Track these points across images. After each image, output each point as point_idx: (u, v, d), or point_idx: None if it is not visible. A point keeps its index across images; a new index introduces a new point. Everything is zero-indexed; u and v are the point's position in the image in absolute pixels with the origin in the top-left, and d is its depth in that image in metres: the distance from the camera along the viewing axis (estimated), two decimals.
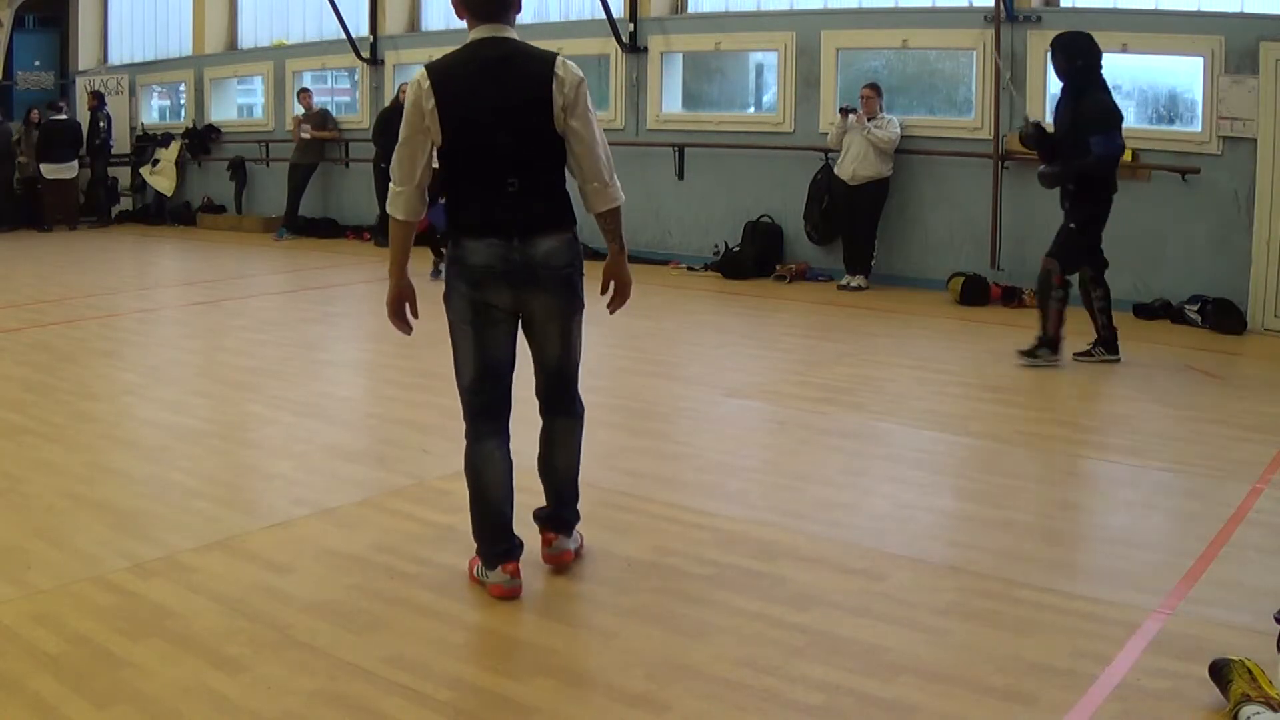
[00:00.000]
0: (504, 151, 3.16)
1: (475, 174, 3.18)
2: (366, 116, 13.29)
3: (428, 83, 3.10)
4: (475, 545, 3.41)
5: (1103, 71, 6.57)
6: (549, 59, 3.24)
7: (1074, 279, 6.66)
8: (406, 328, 3.44)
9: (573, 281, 3.33)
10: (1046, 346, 6.59)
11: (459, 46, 3.25)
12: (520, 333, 3.39)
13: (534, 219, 3.23)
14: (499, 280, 3.20)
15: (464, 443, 3.47)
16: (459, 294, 3.24)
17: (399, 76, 13.02)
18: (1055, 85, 9.07)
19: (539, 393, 3.56)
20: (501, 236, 3.17)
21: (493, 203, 3.17)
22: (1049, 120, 7.00)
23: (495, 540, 3.36)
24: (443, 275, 3.44)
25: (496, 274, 3.19)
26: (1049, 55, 6.76)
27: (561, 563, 3.53)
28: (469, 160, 3.17)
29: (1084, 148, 6.33)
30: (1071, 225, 6.53)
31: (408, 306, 3.40)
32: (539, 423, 3.60)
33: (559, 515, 3.59)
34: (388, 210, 3.26)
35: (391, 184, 3.22)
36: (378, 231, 12.66)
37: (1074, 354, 6.68)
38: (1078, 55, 6.48)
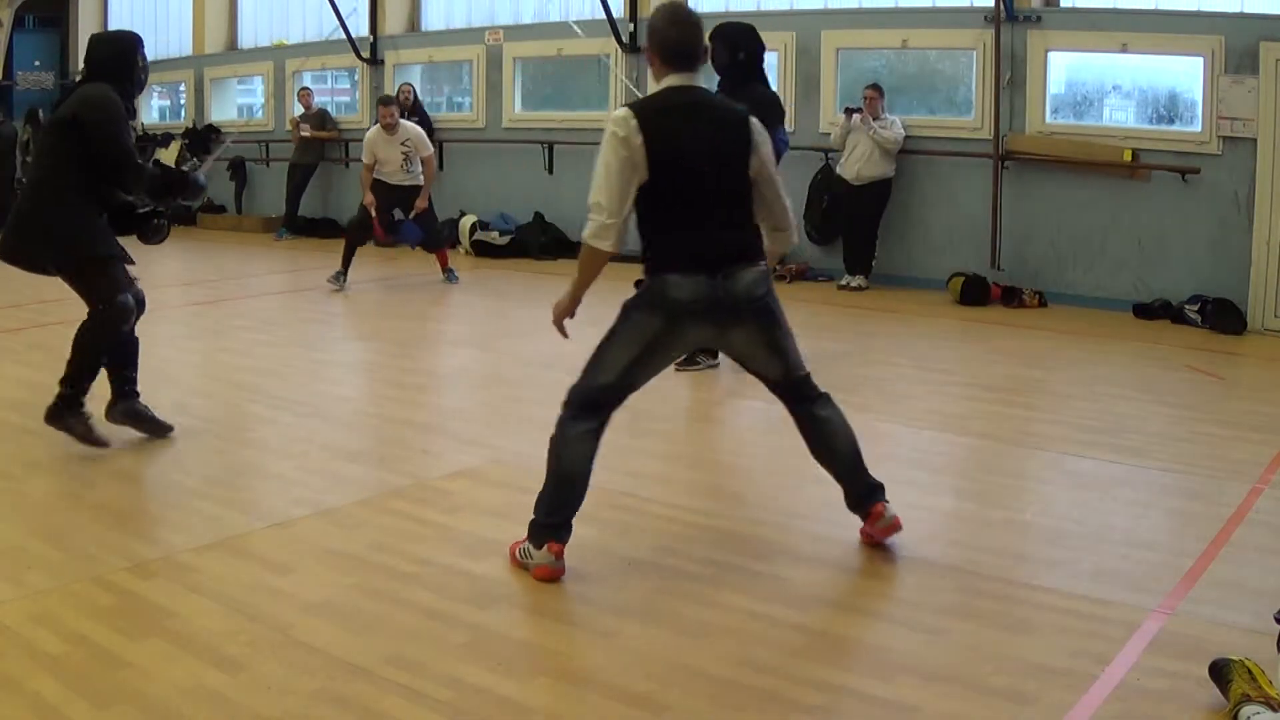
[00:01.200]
0: (710, 189, 3.32)
1: (681, 210, 3.32)
2: (366, 117, 13.28)
3: (635, 120, 3.23)
4: (530, 524, 3.46)
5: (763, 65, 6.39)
6: (741, 111, 3.46)
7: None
8: (565, 333, 3.66)
9: (770, 306, 3.48)
10: None
11: (652, 93, 3.41)
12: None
13: (736, 253, 3.37)
14: (700, 316, 3.35)
15: (554, 432, 3.50)
16: (649, 321, 3.38)
17: (399, 77, 13.03)
18: (1056, 86, 9.13)
19: (781, 396, 3.71)
20: (708, 272, 3.31)
21: (698, 238, 3.33)
22: None
23: (560, 510, 3.42)
24: (343, 283, 3.55)
25: (700, 310, 3.34)
26: (709, 45, 6.40)
27: (897, 528, 3.61)
28: (675, 197, 3.31)
29: None
30: None
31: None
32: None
33: (869, 484, 3.65)
34: (591, 241, 3.35)
35: (598, 216, 3.32)
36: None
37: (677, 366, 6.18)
38: (740, 47, 6.20)
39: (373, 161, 9.25)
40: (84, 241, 4.55)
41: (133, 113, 4.75)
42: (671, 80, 3.37)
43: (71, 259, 4.56)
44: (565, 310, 3.58)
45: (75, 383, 4.57)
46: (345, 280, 9.25)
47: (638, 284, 3.46)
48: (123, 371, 4.86)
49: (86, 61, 4.75)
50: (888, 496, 3.68)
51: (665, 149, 3.25)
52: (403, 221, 9.46)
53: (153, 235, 4.99)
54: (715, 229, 3.35)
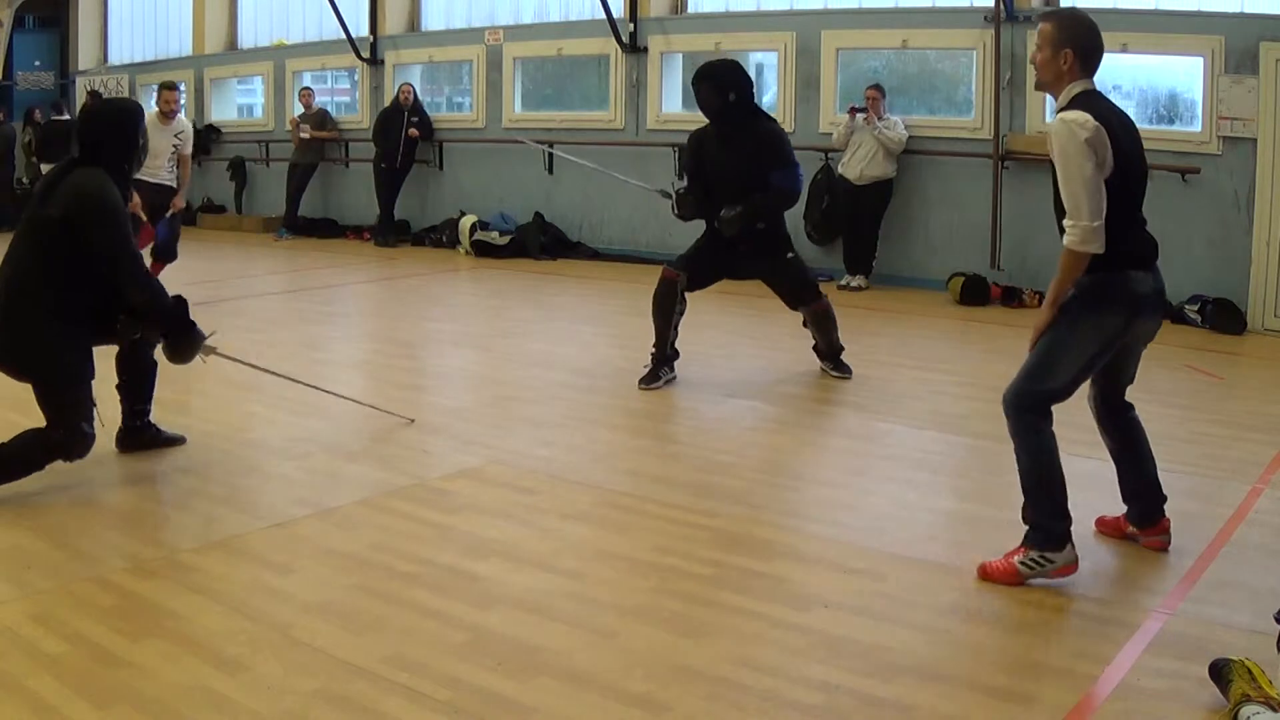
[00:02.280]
0: (1142, 187, 3.48)
1: (1132, 208, 3.41)
2: (366, 116, 13.29)
3: (1094, 122, 3.26)
4: (1032, 531, 3.44)
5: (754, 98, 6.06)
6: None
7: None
8: None
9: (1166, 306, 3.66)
10: (830, 359, 6.29)
11: (1074, 95, 3.39)
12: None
13: (1157, 247, 3.51)
14: (1149, 308, 3.47)
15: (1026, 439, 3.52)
16: (1113, 320, 3.41)
17: (399, 76, 13.03)
18: None
19: (1107, 402, 3.76)
20: (1150, 265, 3.46)
21: (1141, 232, 3.45)
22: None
23: (1066, 516, 3.44)
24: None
25: (1150, 302, 3.46)
26: (693, 87, 5.95)
27: (1166, 546, 3.71)
28: (1126, 192, 3.37)
29: (765, 185, 5.86)
30: (790, 256, 6.16)
31: None
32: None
33: (1161, 497, 3.73)
34: (1080, 249, 3.29)
35: (1080, 221, 3.27)
36: (377, 232, 12.68)
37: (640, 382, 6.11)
38: (728, 88, 5.83)
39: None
40: (55, 358, 4.09)
41: (128, 196, 4.32)
42: (1087, 84, 3.42)
43: (39, 374, 4.12)
44: (1044, 326, 3.50)
45: None
46: None
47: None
48: (135, 405, 4.69)
49: (81, 140, 4.24)
50: (892, 498, 3.69)
51: (1120, 148, 3.32)
52: (169, 220, 8.40)
53: (120, 333, 4.49)
54: (1145, 227, 3.49)
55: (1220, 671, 2.67)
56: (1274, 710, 2.50)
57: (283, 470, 4.58)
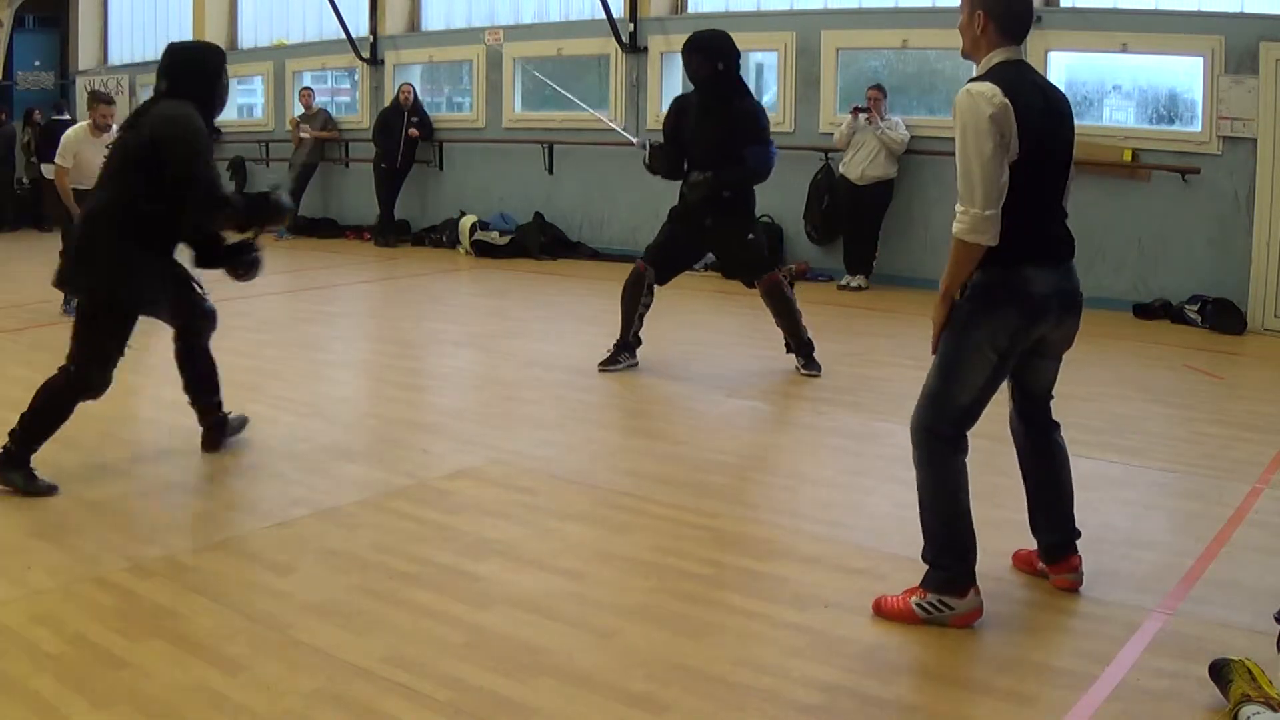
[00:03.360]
0: (1058, 173, 3.10)
1: (1037, 195, 3.04)
2: (366, 116, 13.29)
3: (1001, 97, 2.91)
4: (931, 571, 3.14)
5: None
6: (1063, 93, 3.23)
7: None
8: None
9: (1081, 302, 3.24)
10: (804, 351, 6.39)
11: (992, 66, 3.04)
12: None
13: (1071, 243, 3.17)
14: (1052, 311, 3.10)
15: (930, 467, 3.21)
16: (1005, 323, 3.06)
17: (399, 76, 13.03)
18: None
19: (1024, 416, 3.45)
20: (1056, 263, 3.10)
21: (1050, 226, 3.09)
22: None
23: (968, 558, 3.13)
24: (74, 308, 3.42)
25: (1053, 304, 3.09)
26: (683, 56, 6.12)
27: (1077, 586, 3.36)
28: (1035, 181, 3.00)
29: (738, 158, 5.95)
30: (750, 236, 6.30)
31: None
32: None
33: (1074, 531, 3.40)
34: (968, 238, 2.99)
35: (971, 209, 2.95)
36: (377, 231, 12.68)
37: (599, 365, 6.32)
38: (719, 58, 5.95)
39: (71, 165, 7.66)
40: (116, 285, 4.16)
41: (215, 134, 4.38)
42: (1011, 53, 3.06)
43: (94, 292, 4.19)
44: (942, 324, 3.21)
45: (26, 443, 4.14)
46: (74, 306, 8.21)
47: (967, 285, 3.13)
48: (204, 402, 4.72)
49: (167, 74, 4.31)
50: (892, 498, 3.68)
51: (1032, 127, 2.95)
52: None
53: (247, 271, 4.65)
54: (1061, 217, 3.14)
55: (1220, 671, 2.67)
56: (1274, 710, 2.50)
57: (283, 470, 4.57)
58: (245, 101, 15.62)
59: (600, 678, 2.85)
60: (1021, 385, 3.36)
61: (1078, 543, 3.39)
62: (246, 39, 15.17)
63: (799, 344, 6.38)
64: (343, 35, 13.06)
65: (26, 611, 3.15)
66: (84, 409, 5.38)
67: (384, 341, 7.78)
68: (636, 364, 6.34)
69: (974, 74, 3.09)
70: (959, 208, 2.99)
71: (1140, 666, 2.90)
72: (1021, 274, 3.04)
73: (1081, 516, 4.06)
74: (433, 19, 13.32)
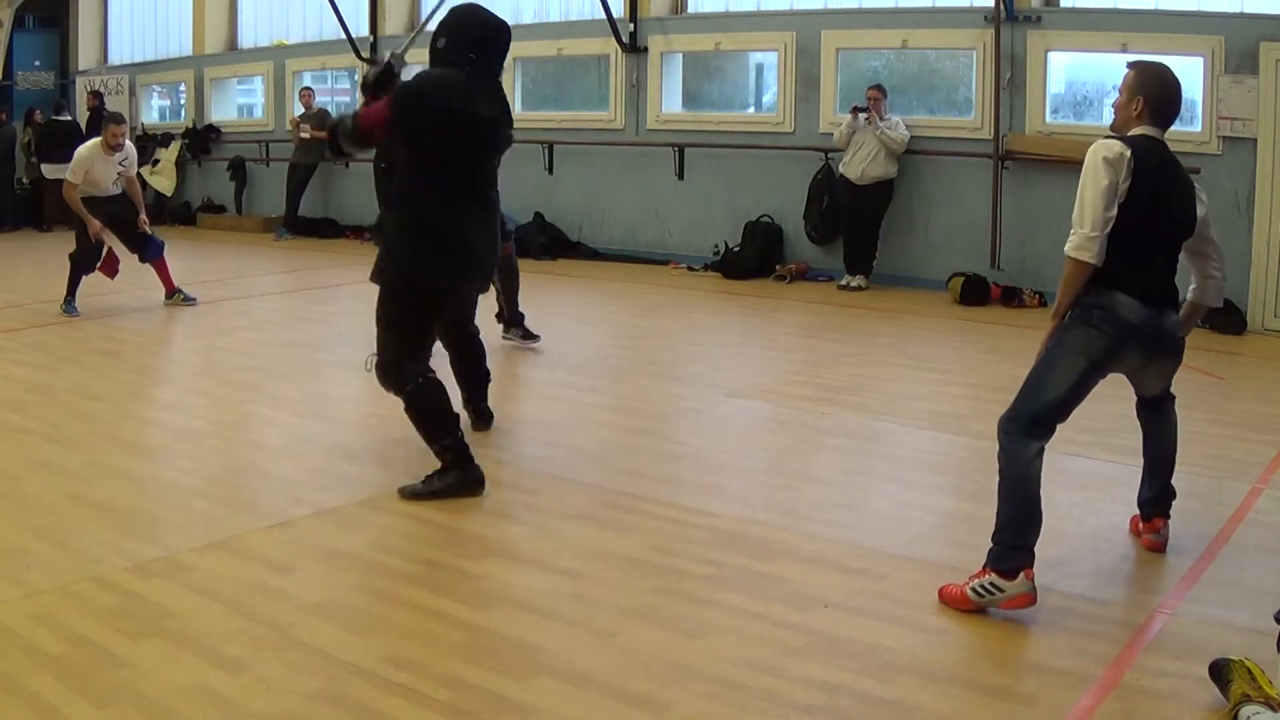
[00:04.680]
0: (1163, 239, 3.57)
1: (1149, 248, 3.50)
2: None
3: (1123, 148, 3.36)
4: (993, 548, 3.26)
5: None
6: (1192, 180, 3.66)
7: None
8: None
9: (1182, 346, 3.79)
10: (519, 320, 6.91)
11: (1132, 134, 3.48)
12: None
13: (1169, 296, 3.60)
14: (1140, 339, 3.48)
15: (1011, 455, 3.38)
16: (1099, 335, 3.41)
17: (399, 76, 13.01)
18: (1056, 85, 9.13)
19: (1139, 396, 3.94)
20: (1150, 305, 3.48)
21: (1149, 274, 3.51)
22: None
23: (1027, 540, 3.25)
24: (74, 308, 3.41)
25: (1142, 333, 3.47)
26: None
27: (1162, 547, 3.76)
28: (1143, 230, 3.44)
29: None
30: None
31: None
32: None
33: (1169, 491, 3.84)
34: (1074, 255, 3.41)
35: (1080, 229, 3.41)
36: (377, 231, 12.66)
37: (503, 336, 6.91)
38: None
39: (80, 181, 7.82)
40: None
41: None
42: (1151, 132, 3.50)
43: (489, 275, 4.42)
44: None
45: (435, 442, 4.17)
46: (75, 307, 8.00)
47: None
48: (472, 392, 5.15)
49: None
50: (892, 498, 3.68)
51: (1145, 187, 3.40)
52: (147, 237, 8.26)
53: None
54: (1159, 273, 3.58)
55: (1220, 671, 2.67)
56: (1274, 710, 2.50)
57: (283, 470, 4.58)
58: (245, 101, 15.63)
59: (600, 678, 2.85)
60: (1136, 387, 3.90)
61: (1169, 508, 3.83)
62: (246, 39, 15.17)
63: (516, 318, 6.91)
64: (343, 35, 13.06)
65: (26, 611, 3.15)
66: (84, 409, 5.40)
67: None
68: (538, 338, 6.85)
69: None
70: (1072, 231, 3.43)
71: (1140, 666, 2.90)
72: (1115, 298, 3.41)
73: (1081, 516, 4.07)
74: (432, 19, 13.30)
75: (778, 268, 10.11)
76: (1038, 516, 3.29)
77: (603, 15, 10.96)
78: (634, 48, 11.15)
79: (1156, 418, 3.91)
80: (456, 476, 4.14)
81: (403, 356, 4.05)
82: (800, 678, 2.85)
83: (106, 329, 7.59)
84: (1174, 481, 3.86)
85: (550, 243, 11.53)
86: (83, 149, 7.95)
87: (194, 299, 8.43)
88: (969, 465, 4.88)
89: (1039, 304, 8.70)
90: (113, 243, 8.12)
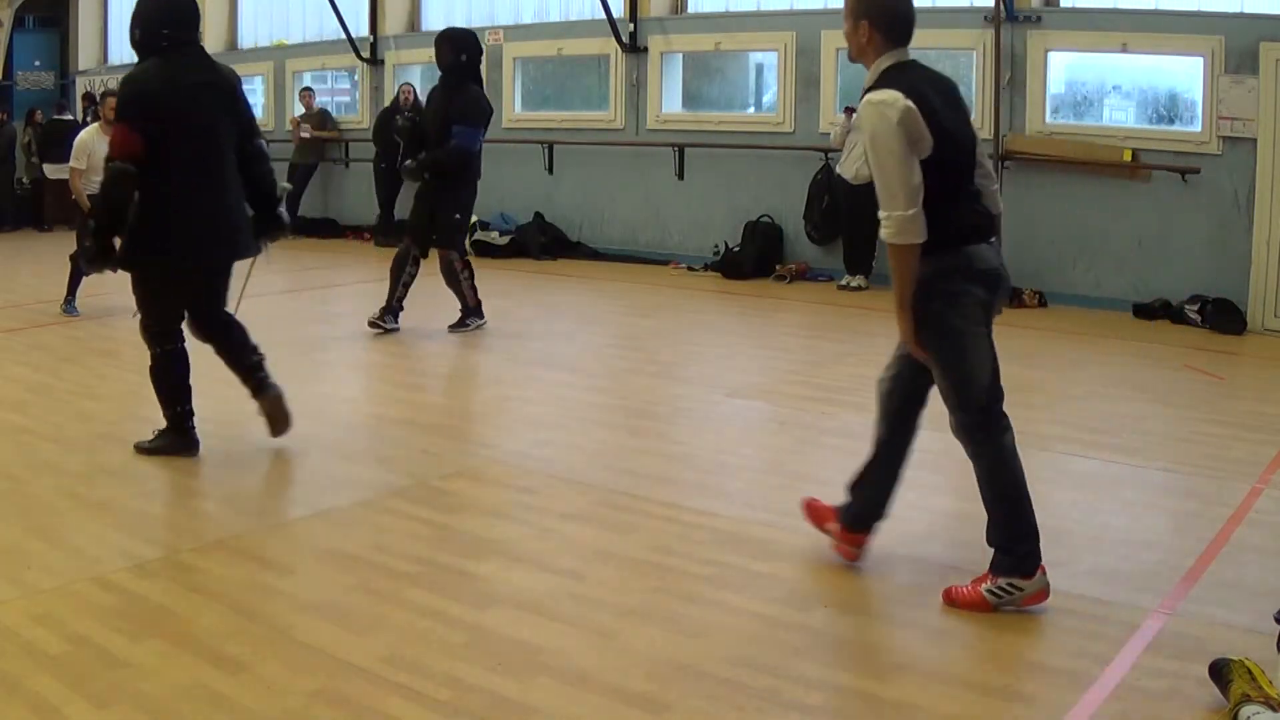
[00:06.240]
0: (967, 157, 3.27)
1: (955, 182, 3.19)
2: (366, 116, 13.29)
3: (904, 100, 3.03)
4: (999, 556, 3.21)
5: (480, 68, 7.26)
6: (954, 82, 3.40)
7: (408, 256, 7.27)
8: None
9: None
10: (474, 315, 7.43)
11: (883, 71, 3.17)
12: None
13: (992, 219, 3.37)
14: (1002, 281, 3.30)
15: (987, 456, 3.30)
16: (973, 299, 3.19)
17: (399, 76, 13.03)
18: (1056, 86, 9.13)
19: (902, 383, 3.56)
20: (989, 240, 3.27)
21: (974, 206, 3.29)
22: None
23: (1033, 535, 3.20)
24: (74, 308, 3.62)
25: (1001, 275, 3.28)
26: (435, 47, 7.18)
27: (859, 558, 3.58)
28: (951, 169, 3.17)
29: (448, 138, 6.97)
30: (457, 216, 7.19)
31: None
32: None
33: (884, 513, 3.61)
34: (898, 241, 3.08)
35: (895, 211, 3.05)
36: (378, 231, 12.67)
37: (449, 326, 7.40)
38: (463, 50, 7.00)
39: (85, 166, 7.77)
40: None
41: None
42: (901, 55, 3.19)
43: None
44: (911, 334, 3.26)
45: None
46: (75, 307, 8.00)
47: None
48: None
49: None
50: (896, 498, 3.67)
51: (939, 123, 3.08)
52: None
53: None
54: (979, 197, 3.32)
55: (1220, 671, 2.67)
56: (1274, 710, 2.50)
57: (283, 470, 4.58)
58: None
59: (600, 678, 2.85)
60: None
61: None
62: (246, 39, 15.17)
63: (466, 310, 7.41)
64: (343, 35, 13.06)
65: (26, 611, 3.15)
66: (84, 409, 5.40)
67: (384, 341, 7.77)
68: (398, 329, 7.31)
69: (866, 82, 3.20)
70: (882, 214, 3.08)
71: (1140, 666, 2.90)
72: (969, 255, 3.17)
73: (1081, 516, 4.07)
74: (433, 19, 13.31)
75: (778, 268, 10.11)
76: (1030, 505, 3.20)
77: (603, 15, 10.97)
78: (634, 48, 11.15)
79: (912, 414, 3.55)
80: (172, 438, 4.63)
81: (149, 326, 4.59)
82: (800, 678, 2.85)
83: (106, 329, 7.59)
84: (1174, 482, 3.86)
85: (550, 243, 11.53)
86: (82, 134, 8.03)
87: None
88: (969, 465, 4.88)
89: (1039, 304, 8.70)
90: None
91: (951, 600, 3.25)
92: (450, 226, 7.23)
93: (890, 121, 3.01)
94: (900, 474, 3.52)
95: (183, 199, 4.36)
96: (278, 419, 4.75)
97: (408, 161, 7.32)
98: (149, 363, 4.63)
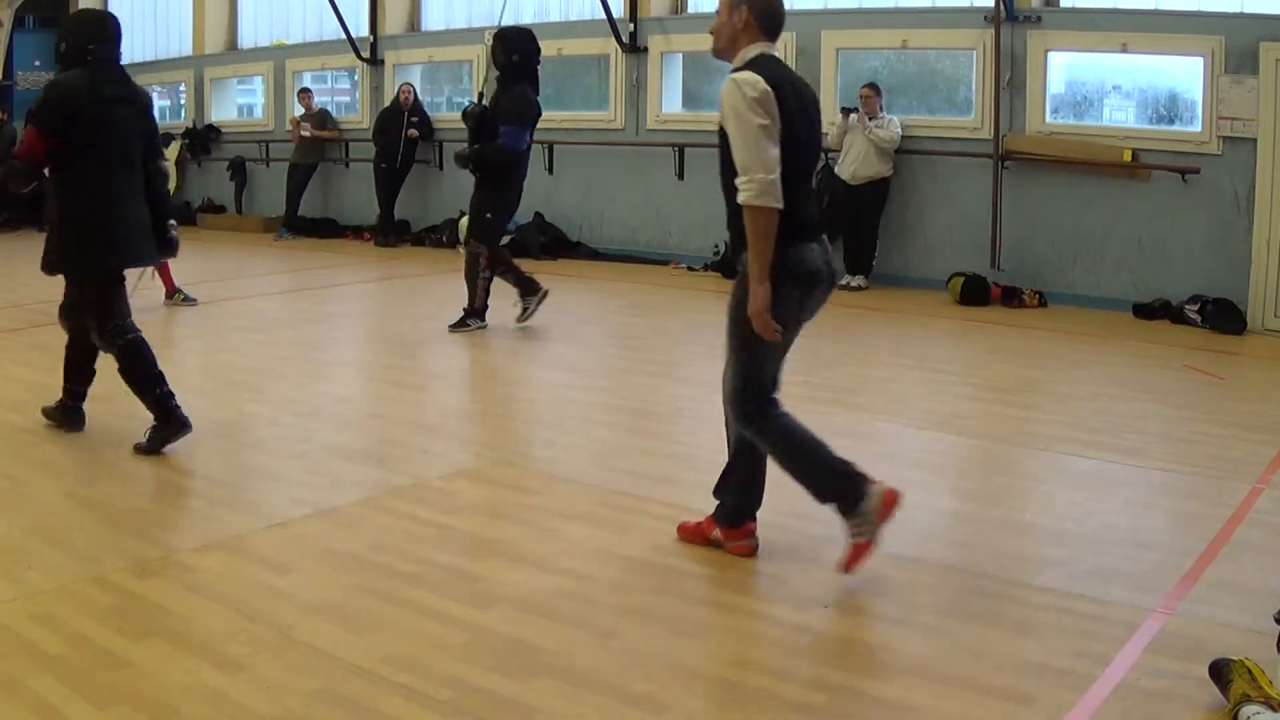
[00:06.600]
0: (811, 161, 3.48)
1: (795, 178, 3.31)
2: (366, 116, 13.29)
3: (764, 84, 3.22)
4: (839, 505, 3.42)
5: (538, 69, 7.24)
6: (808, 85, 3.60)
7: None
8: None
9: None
10: (476, 316, 7.43)
11: (751, 59, 3.34)
12: None
13: (822, 221, 3.54)
14: (824, 281, 3.43)
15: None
16: (788, 296, 3.32)
17: (399, 76, 13.03)
18: (1056, 85, 9.13)
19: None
20: (818, 239, 3.41)
21: (809, 205, 3.42)
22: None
23: (850, 469, 3.40)
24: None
25: (824, 276, 3.42)
26: (491, 46, 7.29)
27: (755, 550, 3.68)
28: (798, 163, 3.33)
29: (495, 136, 7.02)
30: (489, 215, 7.29)
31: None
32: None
33: (758, 502, 3.73)
34: (756, 203, 3.19)
35: (757, 175, 3.18)
36: (377, 231, 12.68)
37: (449, 326, 7.45)
38: (515, 50, 7.06)
39: None
40: None
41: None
42: (767, 48, 3.38)
43: None
44: (765, 306, 3.30)
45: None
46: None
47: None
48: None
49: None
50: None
51: (790, 113, 3.27)
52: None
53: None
54: (814, 195, 3.46)
55: (1220, 671, 2.67)
56: (1274, 710, 2.50)
57: (283, 470, 4.58)
58: (245, 101, 15.63)
59: (600, 678, 2.85)
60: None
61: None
62: (246, 39, 15.17)
63: (470, 310, 7.42)
64: (343, 35, 13.05)
65: (26, 611, 3.15)
66: (84, 408, 5.40)
67: (384, 341, 7.78)
68: (485, 326, 7.41)
69: (734, 65, 3.36)
70: (741, 180, 3.22)
71: (1140, 666, 2.90)
72: (799, 250, 3.32)
73: (1081, 516, 4.07)
74: (433, 19, 13.32)
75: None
76: (826, 446, 3.42)
77: (603, 15, 10.96)
78: (634, 48, 11.15)
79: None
80: (164, 427, 4.64)
81: (104, 325, 4.68)
82: (800, 678, 2.85)
83: None
84: (1174, 482, 3.86)
85: (550, 243, 11.53)
86: None
87: (194, 299, 8.43)
88: (969, 465, 4.89)
89: (1039, 304, 8.71)
90: None
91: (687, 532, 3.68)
92: (481, 223, 7.31)
93: (749, 97, 3.20)
94: (765, 462, 3.62)
95: (100, 206, 4.55)
96: (58, 421, 4.95)
97: (459, 149, 7.43)
98: (117, 365, 4.69)
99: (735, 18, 3.37)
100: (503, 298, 7.65)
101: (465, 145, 7.32)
